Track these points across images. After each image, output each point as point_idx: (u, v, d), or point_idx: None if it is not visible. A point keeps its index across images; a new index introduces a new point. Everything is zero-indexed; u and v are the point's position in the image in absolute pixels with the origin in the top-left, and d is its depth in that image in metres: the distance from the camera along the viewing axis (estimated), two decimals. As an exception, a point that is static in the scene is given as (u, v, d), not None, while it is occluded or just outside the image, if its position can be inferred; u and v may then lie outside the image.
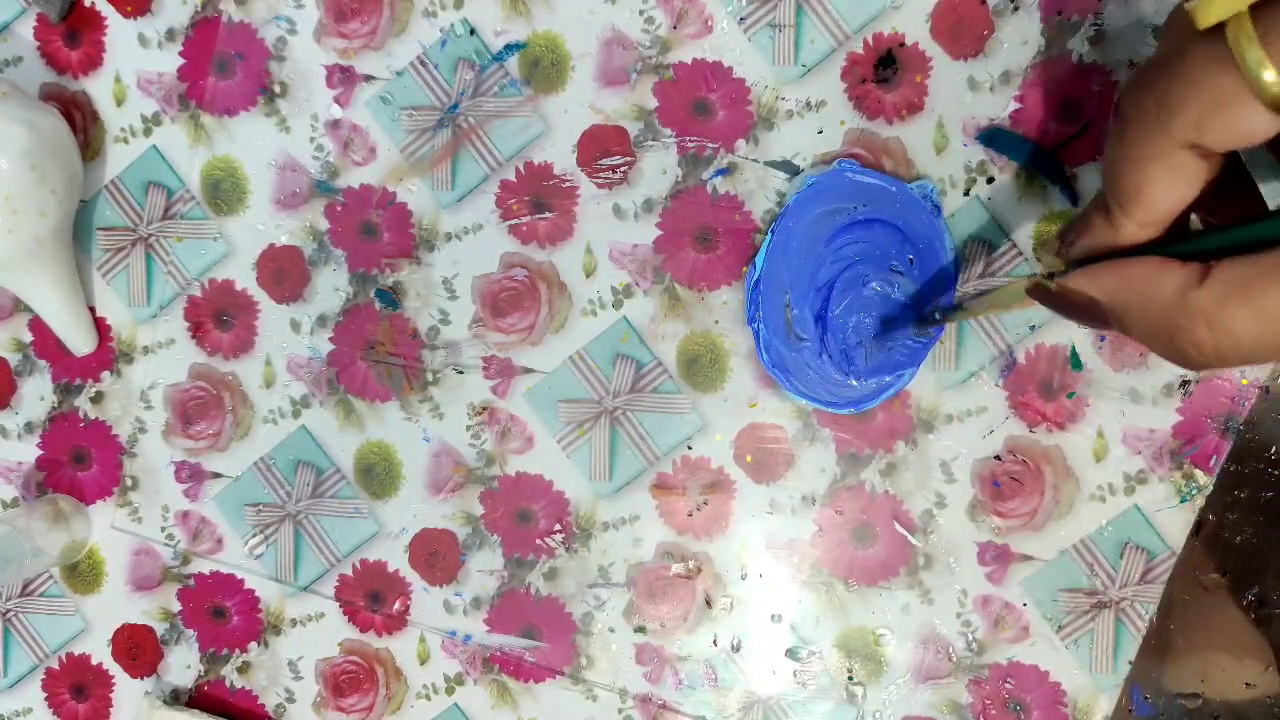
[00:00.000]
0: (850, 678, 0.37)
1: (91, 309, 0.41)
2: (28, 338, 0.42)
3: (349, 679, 0.41)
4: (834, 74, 0.35)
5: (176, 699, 0.42)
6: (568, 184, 0.37)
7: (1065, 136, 0.34)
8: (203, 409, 0.41)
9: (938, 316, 0.34)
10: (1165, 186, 0.20)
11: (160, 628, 0.42)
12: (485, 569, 0.39)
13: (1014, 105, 0.34)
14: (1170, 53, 0.19)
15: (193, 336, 0.41)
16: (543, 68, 0.37)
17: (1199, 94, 0.18)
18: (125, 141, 0.40)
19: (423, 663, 0.40)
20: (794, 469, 0.37)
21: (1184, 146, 0.19)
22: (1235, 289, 0.18)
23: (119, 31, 0.40)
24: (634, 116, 0.37)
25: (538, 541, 0.39)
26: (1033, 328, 0.35)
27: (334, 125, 0.39)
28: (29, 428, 0.43)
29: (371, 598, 0.40)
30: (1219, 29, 0.18)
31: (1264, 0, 0.17)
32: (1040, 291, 0.23)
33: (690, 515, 0.38)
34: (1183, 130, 0.18)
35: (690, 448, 0.38)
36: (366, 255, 0.39)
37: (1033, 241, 0.35)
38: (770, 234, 0.36)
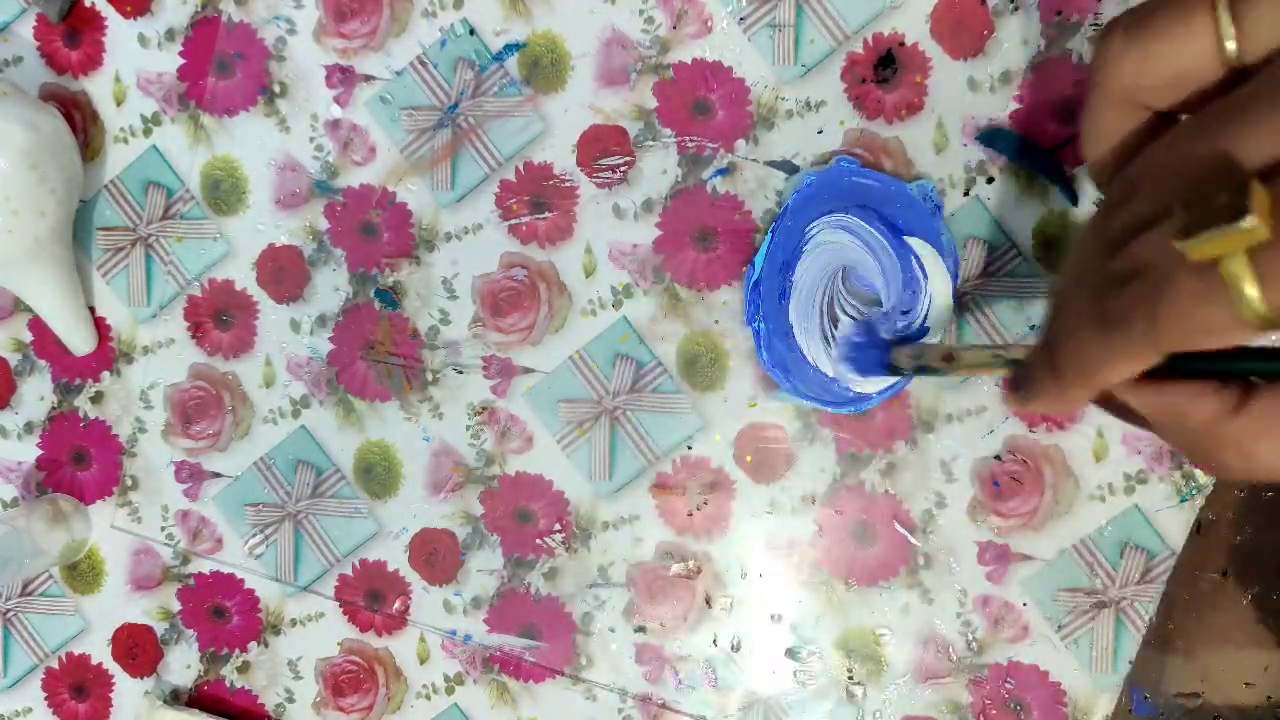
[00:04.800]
0: (850, 678, 0.37)
1: (91, 309, 0.41)
2: (28, 338, 0.42)
3: (349, 679, 0.41)
4: (834, 74, 0.35)
5: (176, 699, 0.42)
6: (567, 184, 0.37)
7: (1065, 136, 0.34)
8: (203, 409, 0.41)
9: (905, 370, 0.33)
10: (1124, 376, 0.21)
11: (160, 627, 0.42)
12: (485, 569, 0.39)
13: (1014, 105, 0.34)
14: (1156, 268, 0.19)
15: (193, 336, 0.41)
16: (542, 68, 0.37)
17: (1192, 323, 0.18)
18: (125, 141, 0.40)
19: (423, 662, 0.40)
20: (794, 469, 0.37)
21: (1159, 353, 0.20)
22: (1266, 422, 0.19)
23: (119, 31, 0.40)
24: (634, 116, 0.37)
25: (537, 541, 0.39)
26: (1032, 328, 0.35)
27: (334, 125, 0.39)
28: (29, 428, 0.43)
29: (371, 597, 0.40)
30: (1210, 260, 0.18)
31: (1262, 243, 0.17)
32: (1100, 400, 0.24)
33: (690, 515, 0.38)
34: (1167, 347, 0.19)
35: (690, 447, 0.38)
36: (366, 255, 0.39)
37: (1032, 243, 0.35)
38: (770, 234, 0.36)
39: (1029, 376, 0.24)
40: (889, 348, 0.33)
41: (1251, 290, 0.17)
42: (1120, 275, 0.20)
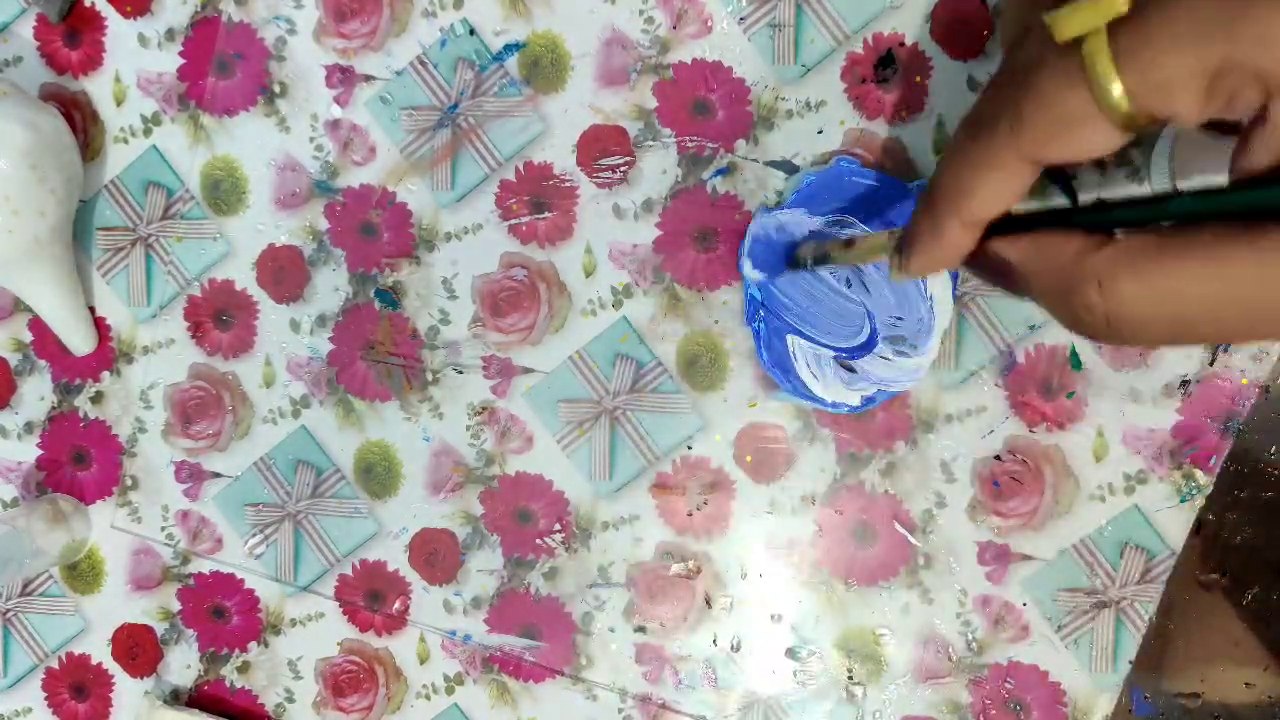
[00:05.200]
0: (850, 678, 0.37)
1: (91, 309, 0.41)
2: (28, 338, 0.42)
3: (349, 679, 0.41)
4: (834, 74, 0.35)
5: (176, 699, 0.42)
6: (567, 184, 0.37)
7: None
8: (202, 409, 0.41)
9: (807, 264, 0.33)
10: (997, 194, 0.20)
11: (160, 627, 0.42)
12: (485, 569, 0.39)
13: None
14: (1025, 64, 0.19)
15: (192, 336, 0.41)
16: (542, 68, 0.37)
17: (1051, 112, 0.18)
18: (125, 141, 0.40)
19: (422, 662, 0.40)
20: (794, 469, 0.37)
21: (1025, 159, 0.19)
22: (1128, 256, 0.18)
23: (119, 31, 0.40)
24: (634, 116, 0.37)
25: (537, 541, 0.39)
26: (1032, 328, 0.35)
27: (334, 125, 0.39)
28: (29, 428, 0.43)
29: (371, 597, 0.40)
30: (1074, 43, 0.18)
31: (1121, 19, 0.17)
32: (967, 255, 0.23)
33: (690, 515, 0.38)
34: (1031, 145, 0.19)
35: (690, 447, 0.38)
36: (366, 255, 0.39)
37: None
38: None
39: (908, 230, 0.23)
40: (794, 245, 0.33)
41: (1109, 69, 0.17)
42: (995, 81, 0.20)
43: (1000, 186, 0.20)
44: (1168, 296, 0.17)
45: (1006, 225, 0.21)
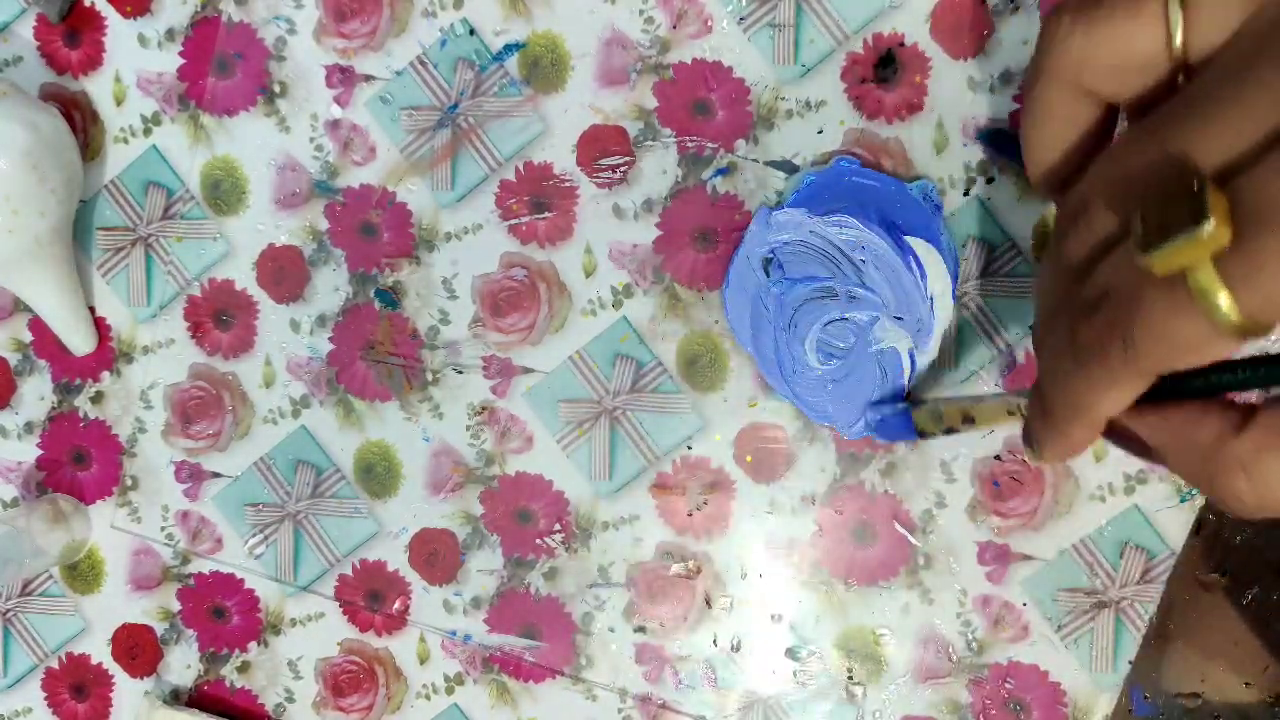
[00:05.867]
0: (850, 678, 0.37)
1: (91, 309, 0.41)
2: (28, 338, 0.42)
3: (349, 679, 0.41)
4: (834, 74, 0.35)
5: (176, 699, 0.42)
6: (567, 184, 0.37)
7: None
8: (202, 409, 0.41)
9: (935, 433, 0.33)
10: (1117, 405, 0.20)
11: (160, 627, 0.42)
12: (485, 569, 0.39)
13: (1014, 105, 0.34)
14: (1124, 290, 0.19)
15: (192, 336, 0.41)
16: (542, 68, 0.37)
17: (1167, 341, 0.18)
18: (125, 141, 0.40)
19: (422, 662, 0.40)
20: (794, 469, 0.37)
21: (1144, 376, 0.19)
22: (1273, 441, 0.18)
23: (119, 31, 0.40)
24: (634, 116, 0.37)
25: (537, 541, 0.39)
26: (1032, 328, 0.35)
27: (334, 125, 0.39)
28: (29, 428, 0.43)
29: (371, 597, 0.40)
30: (1178, 273, 0.17)
31: (1225, 249, 0.16)
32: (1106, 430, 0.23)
33: (690, 515, 0.38)
34: (1150, 367, 0.19)
35: (690, 447, 0.38)
36: (366, 255, 0.39)
37: (1032, 243, 0.35)
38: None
39: (1029, 427, 0.23)
40: (909, 411, 0.33)
41: (1223, 298, 0.16)
42: (1089, 302, 0.20)
43: (1119, 398, 0.20)
44: None
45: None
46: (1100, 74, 0.20)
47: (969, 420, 0.30)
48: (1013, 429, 0.35)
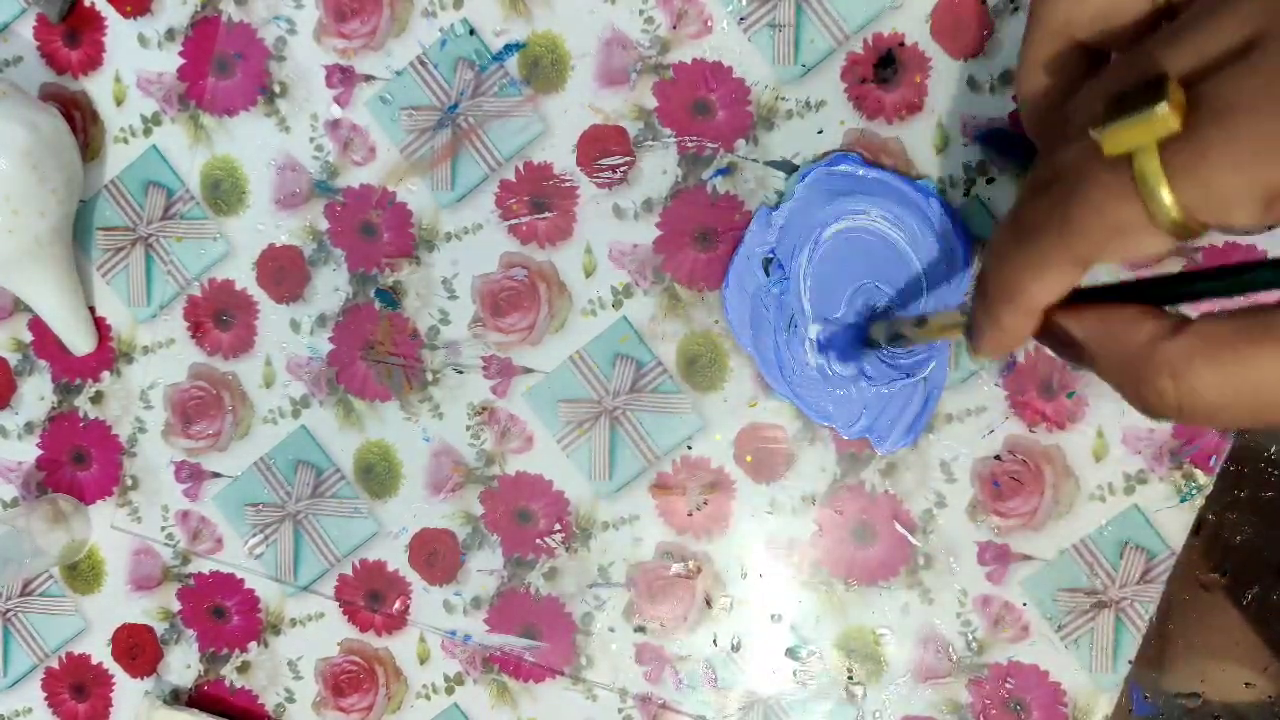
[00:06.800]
0: (850, 677, 0.37)
1: (91, 309, 0.41)
2: (28, 338, 0.42)
3: (349, 679, 0.41)
4: (834, 74, 0.35)
5: (176, 699, 0.42)
6: (567, 184, 0.37)
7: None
8: (202, 409, 0.41)
9: (882, 343, 0.34)
10: (1048, 290, 0.20)
11: (160, 627, 0.42)
12: (485, 569, 0.39)
13: (1014, 105, 0.34)
14: (1070, 172, 0.19)
15: (193, 336, 0.41)
16: (542, 68, 0.37)
17: (1102, 222, 0.18)
18: (125, 141, 0.40)
19: (422, 663, 0.40)
20: (794, 469, 0.37)
21: (1076, 262, 0.19)
22: (1207, 347, 0.18)
23: (119, 31, 0.40)
24: (634, 116, 0.37)
25: (537, 541, 0.39)
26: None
27: (334, 125, 0.39)
28: (29, 428, 0.43)
29: (371, 597, 0.40)
30: (1123, 156, 0.18)
31: (1173, 137, 0.17)
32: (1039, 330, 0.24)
33: (690, 515, 0.38)
34: (1084, 249, 0.19)
35: (690, 447, 0.38)
36: (366, 255, 0.39)
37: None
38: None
39: (972, 318, 0.23)
40: (864, 325, 0.33)
41: (1161, 186, 0.17)
42: (1041, 182, 0.20)
43: (1053, 283, 0.20)
44: (1244, 385, 0.17)
45: (1074, 297, 0.21)
46: (1088, 25, 0.21)
47: (921, 324, 0.30)
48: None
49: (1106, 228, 0.18)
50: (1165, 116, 0.17)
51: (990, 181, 0.35)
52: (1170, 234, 0.18)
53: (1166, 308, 0.20)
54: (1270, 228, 0.18)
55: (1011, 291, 0.21)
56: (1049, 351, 0.23)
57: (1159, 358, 0.18)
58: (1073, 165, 0.19)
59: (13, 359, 0.42)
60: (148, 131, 0.40)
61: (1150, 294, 0.20)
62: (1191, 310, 0.19)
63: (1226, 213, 0.17)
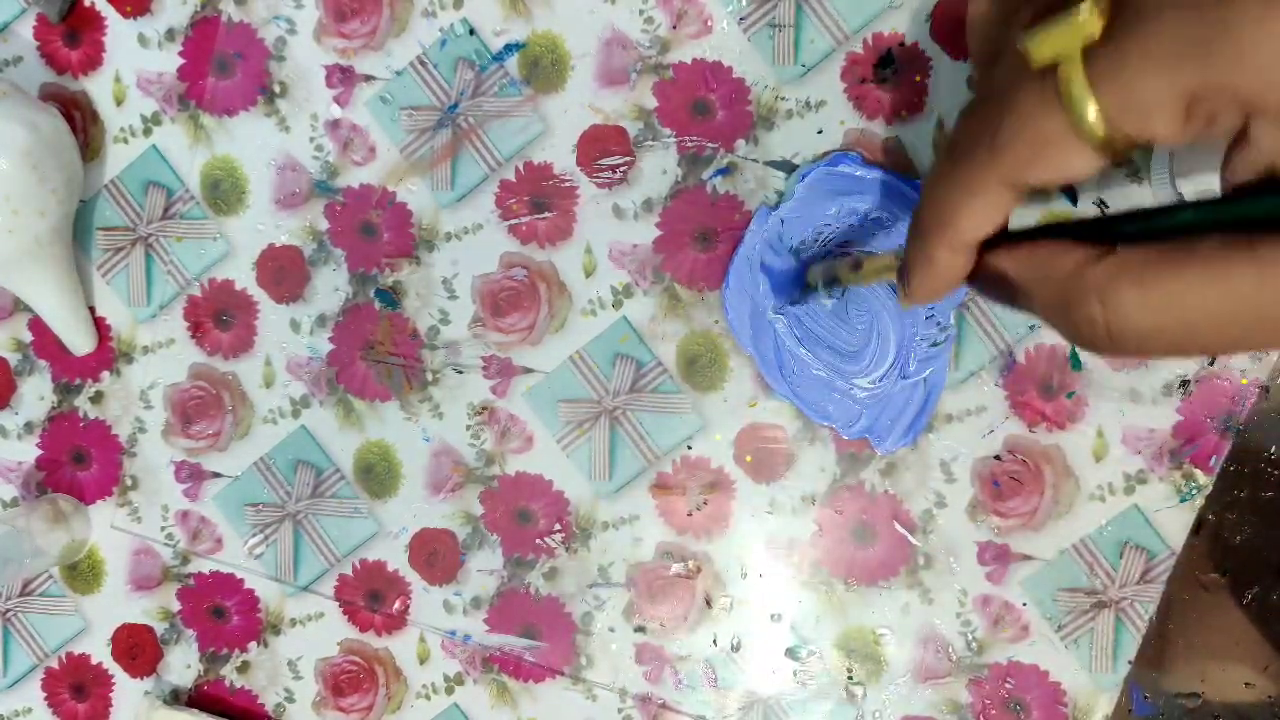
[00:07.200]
0: (850, 677, 0.37)
1: (91, 309, 0.41)
2: (28, 338, 0.42)
3: (349, 679, 0.41)
4: (834, 74, 0.35)
5: (176, 699, 0.42)
6: (567, 184, 0.37)
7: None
8: (202, 409, 0.41)
9: (819, 287, 0.33)
10: (978, 218, 0.20)
11: (160, 627, 0.42)
12: (485, 569, 0.39)
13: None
14: (1000, 88, 0.19)
15: (192, 336, 0.41)
16: (542, 68, 0.37)
17: (1028, 136, 0.18)
18: (125, 141, 0.40)
19: (422, 662, 0.40)
20: (794, 469, 0.37)
21: (1005, 183, 0.19)
22: (1129, 268, 0.18)
23: (119, 31, 0.40)
24: (634, 116, 0.37)
25: (537, 541, 0.39)
26: (1032, 327, 0.35)
27: (334, 125, 0.39)
28: (29, 427, 0.43)
29: (371, 597, 0.40)
30: (1050, 67, 0.18)
31: (1096, 43, 0.17)
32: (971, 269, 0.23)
33: (690, 515, 0.38)
34: (1009, 169, 0.19)
35: (690, 447, 0.38)
36: (366, 255, 0.39)
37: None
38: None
39: (903, 258, 0.23)
40: (804, 267, 0.33)
41: (1084, 93, 0.17)
42: (974, 104, 0.20)
43: (983, 210, 0.20)
44: (1170, 307, 0.17)
45: (1006, 239, 0.21)
46: None
47: (857, 267, 0.30)
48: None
49: (1032, 142, 0.18)
50: (1087, 20, 0.17)
51: (990, 181, 0.35)
52: (1096, 149, 0.18)
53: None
54: (1192, 144, 0.18)
55: (942, 222, 0.21)
56: (984, 296, 0.22)
57: (1086, 282, 0.18)
58: (1005, 80, 0.19)
59: (13, 359, 0.42)
60: (148, 131, 0.40)
61: (1079, 234, 0.20)
62: None
63: (1147, 120, 0.17)
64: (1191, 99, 0.16)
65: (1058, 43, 0.17)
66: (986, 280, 0.22)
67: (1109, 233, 0.20)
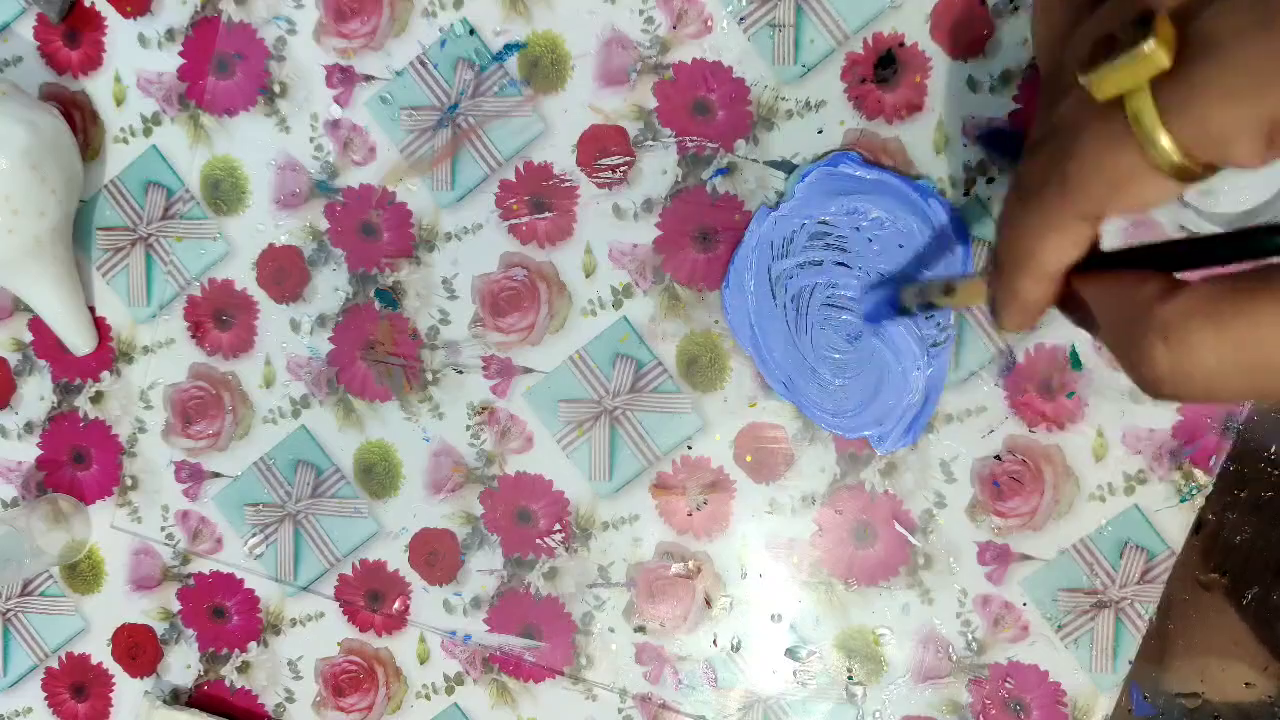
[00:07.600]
0: (850, 677, 0.37)
1: (91, 309, 0.41)
2: (28, 338, 0.42)
3: (349, 679, 0.41)
4: (834, 74, 0.35)
5: (176, 699, 0.42)
6: (567, 184, 0.37)
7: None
8: (202, 409, 0.41)
9: (914, 310, 0.33)
10: (1060, 252, 0.20)
11: (160, 627, 0.42)
12: (485, 569, 0.39)
13: (1014, 105, 0.34)
14: (1067, 125, 0.18)
15: (192, 336, 0.41)
16: (542, 68, 0.37)
17: (1101, 173, 0.18)
18: (125, 141, 0.40)
19: (422, 662, 0.40)
20: (794, 469, 0.37)
21: (1082, 218, 0.19)
22: (1203, 305, 0.17)
23: (119, 31, 0.40)
24: (634, 116, 0.37)
25: (537, 541, 0.39)
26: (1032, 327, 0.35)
27: (334, 125, 0.39)
28: (29, 427, 0.43)
29: (371, 597, 0.40)
30: (1116, 101, 0.17)
31: (1164, 75, 0.16)
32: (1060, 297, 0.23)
33: (690, 515, 0.38)
34: (1086, 206, 0.18)
35: (690, 447, 0.38)
36: (366, 255, 0.39)
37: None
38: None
39: (991, 292, 0.23)
40: (895, 289, 0.33)
41: (1156, 126, 0.16)
42: (1037, 142, 0.19)
43: (1062, 245, 0.19)
44: (1243, 342, 0.16)
45: (1099, 262, 0.20)
46: None
47: (949, 291, 0.29)
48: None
49: (1106, 179, 0.18)
50: (1154, 53, 0.16)
51: (990, 181, 0.35)
52: (1173, 177, 0.17)
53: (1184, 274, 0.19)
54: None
55: (1021, 258, 0.20)
56: (1072, 323, 0.22)
57: (1154, 319, 0.17)
58: (1067, 117, 0.19)
59: (13, 359, 0.42)
60: (148, 131, 0.40)
61: (1170, 257, 0.19)
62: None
63: (1226, 148, 0.16)
64: (1273, 126, 0.16)
65: (1124, 80, 0.17)
66: (1070, 308, 0.21)
67: (1202, 257, 0.19)
